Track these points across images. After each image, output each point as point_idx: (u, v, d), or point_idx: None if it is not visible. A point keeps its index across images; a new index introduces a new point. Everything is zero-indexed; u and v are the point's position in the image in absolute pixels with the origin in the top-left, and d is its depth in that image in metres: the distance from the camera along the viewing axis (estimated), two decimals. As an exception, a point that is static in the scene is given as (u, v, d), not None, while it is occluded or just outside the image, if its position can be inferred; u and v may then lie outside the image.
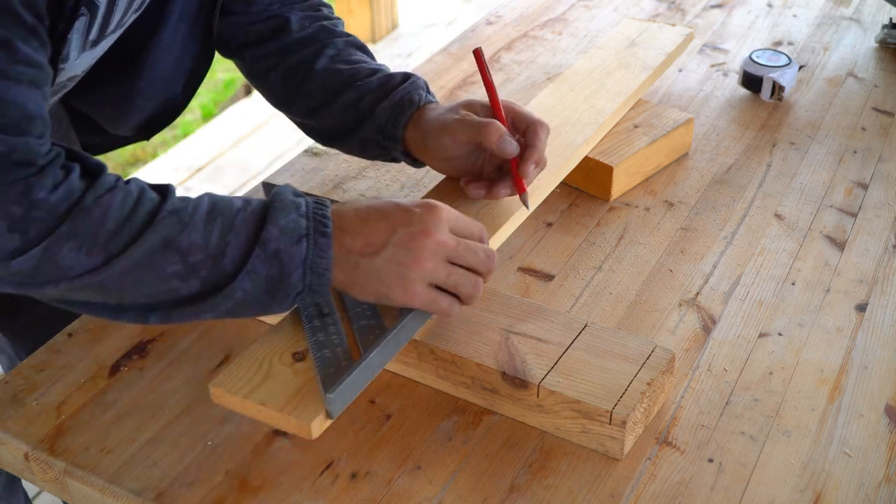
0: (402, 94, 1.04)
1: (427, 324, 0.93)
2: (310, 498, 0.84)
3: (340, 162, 1.26)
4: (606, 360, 0.90)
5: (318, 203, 0.85)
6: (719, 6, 1.70)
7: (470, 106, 1.02)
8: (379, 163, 1.24)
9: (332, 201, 0.89)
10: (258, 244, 0.81)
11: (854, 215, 1.18)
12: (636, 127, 1.24)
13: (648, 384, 0.87)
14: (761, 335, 1.01)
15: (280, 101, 1.13)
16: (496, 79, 1.47)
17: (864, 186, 1.23)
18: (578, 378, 0.88)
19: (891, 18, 1.57)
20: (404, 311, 0.87)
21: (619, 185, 1.20)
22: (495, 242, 1.00)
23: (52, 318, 1.10)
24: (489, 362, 0.90)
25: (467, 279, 0.87)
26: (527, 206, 0.99)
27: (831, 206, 1.20)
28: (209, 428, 0.90)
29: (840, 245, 1.13)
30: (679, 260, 1.11)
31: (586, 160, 1.18)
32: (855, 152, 1.30)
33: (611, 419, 0.85)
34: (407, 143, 1.04)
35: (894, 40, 1.55)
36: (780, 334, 1.01)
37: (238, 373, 0.84)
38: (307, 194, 0.87)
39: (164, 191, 0.83)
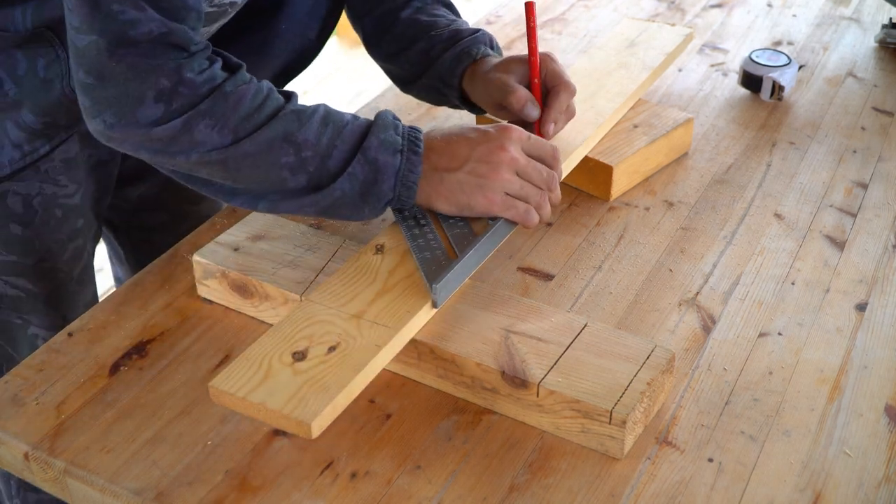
0: (463, 46, 1.15)
1: (427, 324, 0.93)
2: (310, 498, 0.84)
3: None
4: (606, 359, 0.90)
5: (412, 127, 0.98)
6: (719, 6, 1.70)
7: (510, 63, 1.12)
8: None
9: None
10: (360, 151, 0.94)
11: (854, 215, 1.18)
12: (636, 127, 1.24)
13: (648, 384, 0.87)
14: (761, 335, 1.01)
15: (370, 43, 1.24)
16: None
17: (864, 186, 1.23)
18: (578, 378, 0.88)
19: (890, 18, 1.57)
20: (492, 221, 0.98)
21: (619, 184, 1.20)
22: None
23: (165, 231, 1.29)
24: (489, 362, 0.90)
25: (536, 192, 0.99)
26: None
27: (831, 206, 1.20)
28: (209, 428, 0.90)
29: (840, 245, 1.13)
30: (679, 260, 1.11)
31: (586, 160, 1.18)
32: (855, 152, 1.30)
33: (611, 419, 0.85)
34: (465, 91, 1.16)
35: (894, 40, 1.55)
36: (779, 334, 1.01)
37: (237, 372, 0.84)
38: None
39: (289, 95, 0.97)
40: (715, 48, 1.56)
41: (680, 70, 1.49)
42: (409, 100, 1.33)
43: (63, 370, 0.96)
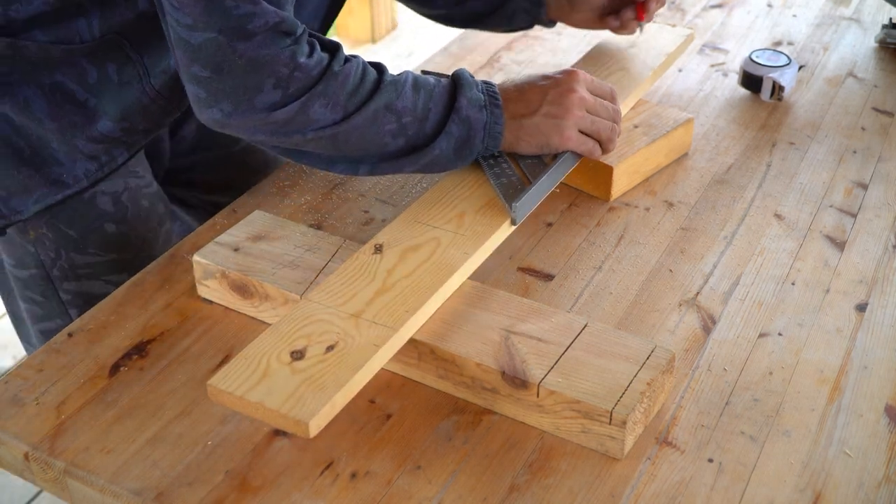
0: None
1: (427, 324, 0.93)
2: (310, 498, 0.84)
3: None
4: (606, 360, 0.90)
5: (487, 82, 1.08)
6: (719, 6, 1.70)
7: None
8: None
9: None
10: (454, 111, 1.04)
11: (854, 215, 1.18)
12: (636, 127, 1.24)
13: (648, 384, 0.87)
14: (761, 335, 1.01)
15: None
16: (497, 78, 1.47)
17: (864, 186, 1.23)
18: (578, 378, 0.88)
19: (891, 18, 1.57)
20: (559, 154, 1.10)
21: (619, 185, 1.20)
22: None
23: (224, 191, 1.32)
24: (489, 362, 0.90)
25: (606, 125, 1.11)
26: (640, 31, 1.34)
27: (831, 206, 1.20)
28: (209, 428, 0.90)
29: (840, 245, 1.13)
30: (679, 260, 1.11)
31: (586, 160, 1.18)
32: (855, 152, 1.30)
33: (611, 419, 0.85)
34: (549, 7, 1.31)
35: (894, 40, 1.55)
36: (779, 334, 1.01)
37: (236, 371, 0.84)
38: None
39: (381, 68, 1.04)
40: (715, 48, 1.56)
41: (680, 70, 1.49)
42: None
43: (63, 370, 0.96)
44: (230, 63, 0.93)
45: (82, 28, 1.04)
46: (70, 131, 1.08)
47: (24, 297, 1.22)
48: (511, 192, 1.04)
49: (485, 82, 1.07)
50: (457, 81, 1.06)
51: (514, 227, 1.04)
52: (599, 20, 1.33)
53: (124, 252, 1.19)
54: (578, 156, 1.12)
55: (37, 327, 1.23)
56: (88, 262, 1.18)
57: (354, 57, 1.02)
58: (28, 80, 1.06)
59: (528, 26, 1.36)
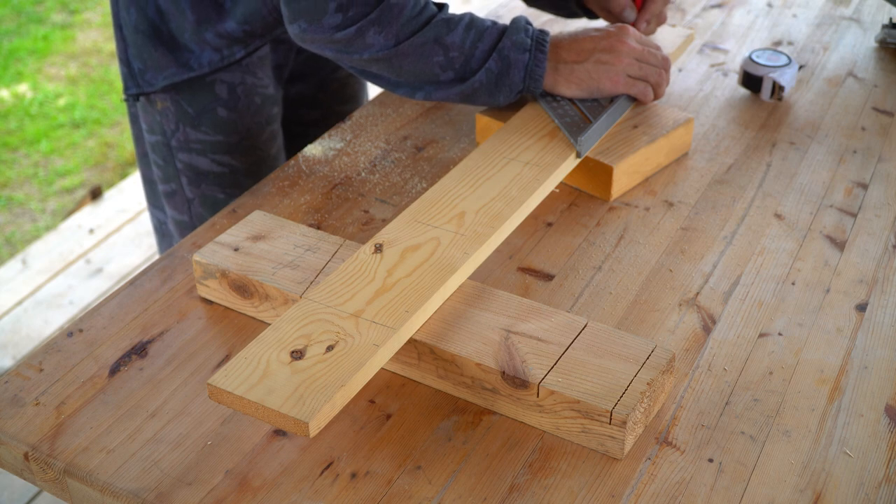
0: None
1: (427, 324, 0.93)
2: (310, 498, 0.84)
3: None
4: (606, 359, 0.90)
5: (542, 31, 1.20)
6: (719, 6, 1.70)
7: None
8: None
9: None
10: (496, 50, 1.17)
11: (854, 215, 1.18)
12: (636, 127, 1.24)
13: (648, 384, 0.87)
14: (761, 335, 1.01)
15: None
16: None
17: (864, 186, 1.23)
18: (578, 378, 0.88)
19: (891, 18, 1.57)
20: (614, 99, 1.22)
21: (619, 185, 1.20)
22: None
23: (317, 126, 1.52)
24: (489, 362, 0.90)
25: (654, 70, 1.24)
26: (647, 24, 1.37)
27: (831, 206, 1.20)
28: (209, 428, 0.90)
29: (840, 245, 1.13)
30: (679, 260, 1.11)
31: (586, 160, 1.18)
32: (855, 152, 1.30)
33: (611, 419, 0.85)
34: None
35: (894, 40, 1.55)
36: (780, 334, 1.01)
37: (236, 370, 0.84)
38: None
39: (441, 6, 1.20)
40: (715, 48, 1.56)
41: (680, 70, 1.49)
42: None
43: (63, 370, 0.96)
44: None
45: None
46: (204, 24, 1.29)
47: (153, 160, 1.42)
48: (575, 129, 1.15)
49: (540, 31, 1.19)
50: (509, 26, 1.18)
51: (579, 160, 1.15)
52: (614, 21, 1.38)
53: (230, 136, 1.37)
54: (632, 99, 1.24)
55: (161, 188, 1.44)
56: (200, 139, 1.37)
57: None
58: None
59: (571, 13, 1.44)
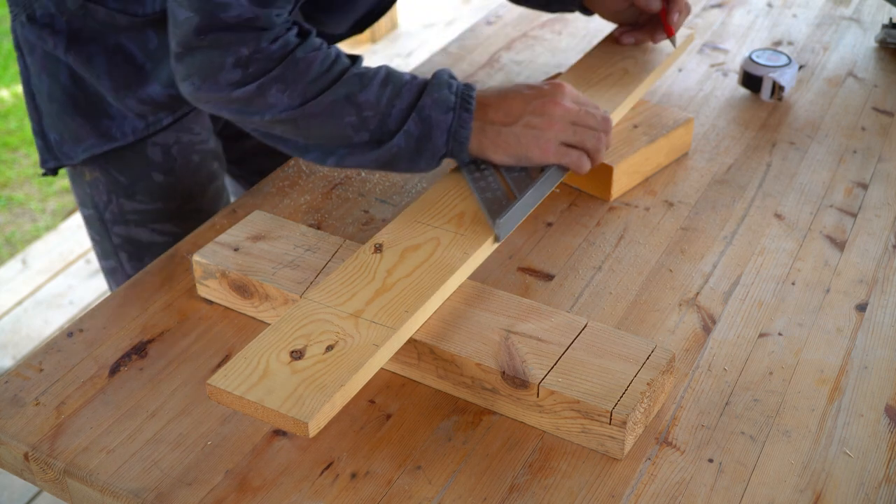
0: None
1: (427, 324, 0.93)
2: (310, 498, 0.84)
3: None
4: (606, 360, 0.90)
5: (467, 86, 1.06)
6: (719, 6, 1.70)
7: None
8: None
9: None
10: (416, 110, 1.03)
11: (854, 215, 1.18)
12: (636, 127, 1.24)
13: (648, 384, 0.87)
14: (761, 335, 1.01)
15: None
16: (496, 79, 1.47)
17: (864, 186, 1.23)
18: (578, 378, 0.88)
19: (891, 18, 1.57)
20: (546, 167, 1.07)
21: (619, 185, 1.20)
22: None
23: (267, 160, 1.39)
24: (489, 362, 0.90)
25: (591, 135, 1.07)
26: (674, 45, 1.31)
27: (831, 206, 1.20)
28: (209, 428, 0.90)
29: (840, 245, 1.13)
30: (679, 260, 1.11)
31: (586, 160, 1.18)
32: (855, 152, 1.30)
33: (611, 419, 0.85)
34: None
35: (894, 40, 1.55)
36: (780, 334, 1.01)
37: (235, 370, 0.84)
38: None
39: (355, 58, 1.06)
40: (715, 48, 1.56)
41: (680, 70, 1.49)
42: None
43: (63, 370, 0.96)
44: (197, 43, 0.99)
45: (147, 1, 1.14)
46: (123, 90, 1.17)
47: (90, 235, 1.33)
48: (495, 208, 1.01)
49: (465, 85, 1.05)
50: (430, 81, 1.05)
51: (497, 244, 1.01)
52: (621, 23, 1.35)
53: (170, 202, 1.26)
54: (566, 169, 1.08)
55: (101, 264, 1.34)
56: (136, 209, 1.26)
57: (330, 47, 1.04)
58: (94, 38, 1.15)
59: (565, 11, 1.38)
